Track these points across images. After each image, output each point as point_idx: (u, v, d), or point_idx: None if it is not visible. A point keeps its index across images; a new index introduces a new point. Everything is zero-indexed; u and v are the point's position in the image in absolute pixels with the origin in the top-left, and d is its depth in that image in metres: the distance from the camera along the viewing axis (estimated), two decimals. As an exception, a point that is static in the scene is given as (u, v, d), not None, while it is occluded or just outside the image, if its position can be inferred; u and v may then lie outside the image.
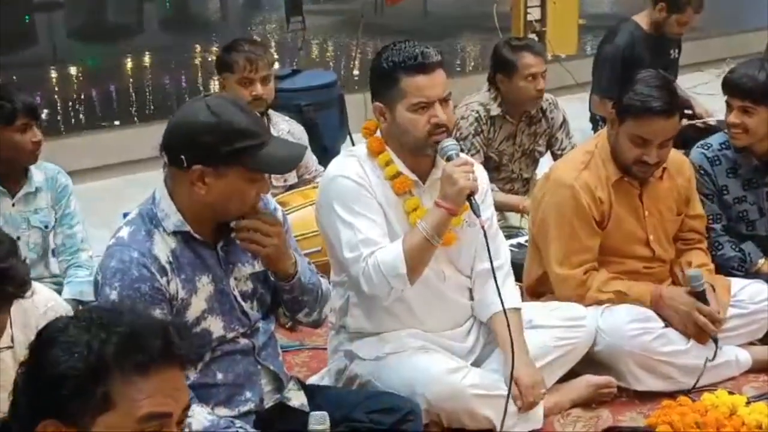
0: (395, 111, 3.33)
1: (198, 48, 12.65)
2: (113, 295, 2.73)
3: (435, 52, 3.35)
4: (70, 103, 9.67)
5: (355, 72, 10.06)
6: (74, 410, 1.63)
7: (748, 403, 3.55)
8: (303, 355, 4.22)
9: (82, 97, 10.04)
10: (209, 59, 12.31)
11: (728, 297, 4.04)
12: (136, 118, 8.90)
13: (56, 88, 10.52)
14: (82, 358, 1.63)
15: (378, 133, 3.45)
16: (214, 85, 10.30)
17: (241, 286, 2.95)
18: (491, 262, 3.30)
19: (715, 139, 4.43)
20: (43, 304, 2.68)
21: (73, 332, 1.66)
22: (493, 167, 5.09)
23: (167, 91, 10.68)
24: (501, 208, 4.96)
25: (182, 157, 2.75)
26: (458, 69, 10.97)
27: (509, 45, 5.17)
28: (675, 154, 4.02)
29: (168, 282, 2.79)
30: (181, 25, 15.62)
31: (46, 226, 4.19)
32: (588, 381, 3.78)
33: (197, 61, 12.21)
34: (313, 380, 3.68)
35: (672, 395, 3.76)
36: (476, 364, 3.62)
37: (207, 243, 2.87)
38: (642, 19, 6.34)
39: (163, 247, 2.80)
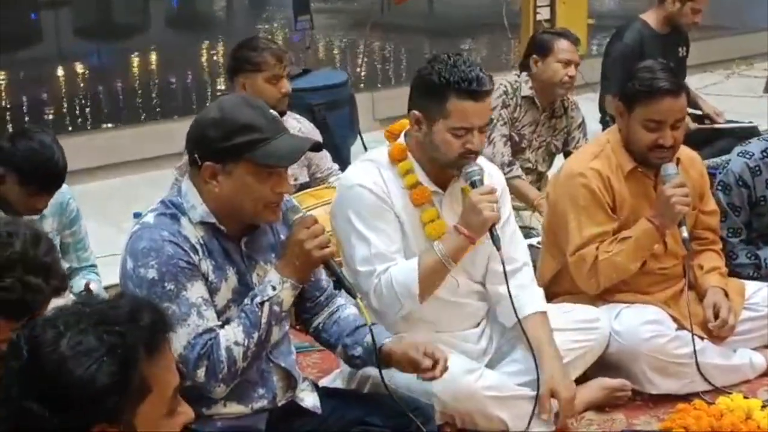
0: (433, 126, 3.29)
1: (205, 46, 12.63)
2: (152, 273, 2.72)
3: (488, 79, 3.31)
4: (77, 101, 9.65)
5: (362, 71, 10.04)
6: (118, 409, 1.63)
7: (763, 407, 3.54)
8: (314, 356, 4.19)
9: (89, 95, 10.02)
10: (214, 58, 12.31)
11: (742, 300, 4.02)
12: (143, 116, 8.88)
13: (62, 86, 10.50)
14: (110, 359, 1.62)
15: (402, 138, 3.42)
16: (221, 84, 10.32)
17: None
18: (509, 290, 3.35)
19: (756, 147, 4.37)
20: (52, 303, 2.65)
21: (74, 340, 1.64)
22: (513, 150, 5.20)
23: (174, 89, 10.65)
24: (518, 197, 5.03)
25: (195, 155, 2.78)
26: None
27: (548, 31, 5.47)
28: (685, 149, 4.00)
29: (199, 261, 2.79)
30: (187, 23, 15.61)
31: None
32: (602, 384, 3.75)
33: (204, 59, 12.19)
34: (324, 382, 3.65)
35: (686, 398, 3.75)
36: (490, 365, 3.59)
37: (232, 237, 2.86)
38: (650, 18, 6.31)
39: (191, 231, 2.80)
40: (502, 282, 3.44)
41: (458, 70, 3.24)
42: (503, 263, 3.32)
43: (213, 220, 2.82)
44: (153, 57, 12.15)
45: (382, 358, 2.97)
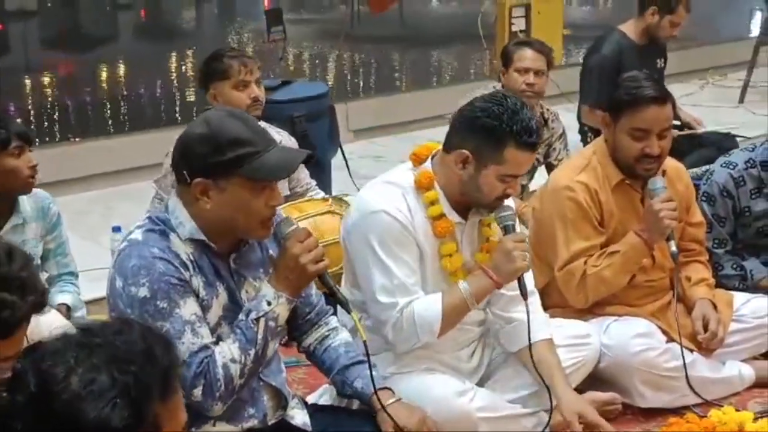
0: (483, 170, 3.23)
1: (174, 57, 12.56)
2: (143, 292, 2.65)
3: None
4: (44, 113, 9.54)
5: (335, 82, 10.01)
6: None
7: (755, 419, 3.52)
8: (300, 371, 4.13)
9: (57, 106, 9.92)
10: (183, 69, 12.24)
11: (730, 312, 4.01)
12: (111, 129, 8.80)
13: (30, 97, 10.39)
14: (123, 401, 1.56)
15: (428, 164, 3.36)
16: (190, 95, 10.25)
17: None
18: (530, 340, 3.34)
19: (739, 158, 4.38)
20: (47, 325, 2.57)
21: (86, 377, 1.57)
22: None
23: (142, 101, 10.58)
24: None
25: (184, 171, 2.71)
26: (435, 79, 10.95)
27: (515, 42, 5.48)
28: (671, 161, 3.99)
29: (190, 278, 2.73)
30: (156, 34, 15.53)
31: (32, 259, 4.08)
32: (592, 398, 3.70)
33: (173, 70, 12.13)
34: (311, 398, 3.58)
35: (676, 411, 3.73)
36: (480, 382, 3.56)
37: (220, 253, 2.81)
38: (628, 29, 6.32)
39: (180, 247, 2.74)
40: (511, 309, 3.46)
41: (520, 118, 3.19)
42: (527, 309, 3.30)
43: (202, 237, 2.76)
44: (121, 68, 12.08)
45: (374, 402, 2.98)
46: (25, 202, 4.05)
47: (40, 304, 2.15)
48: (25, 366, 1.62)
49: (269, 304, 2.79)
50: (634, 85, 3.76)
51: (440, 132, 7.82)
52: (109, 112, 9.49)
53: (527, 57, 5.24)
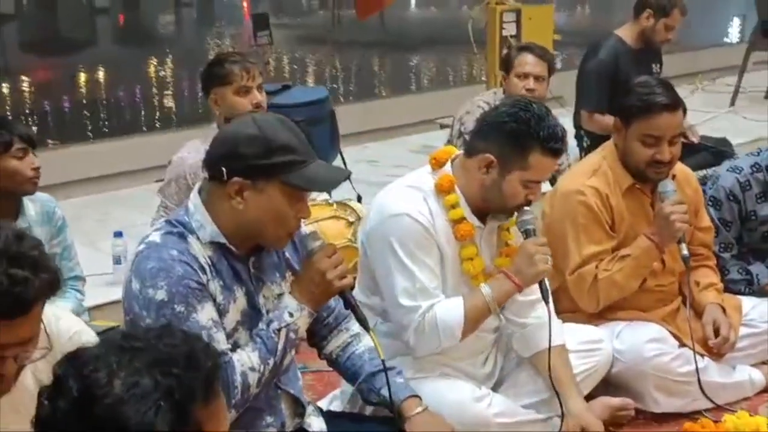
0: (508, 175, 3.22)
1: (152, 61, 12.52)
2: (161, 295, 2.60)
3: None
4: (22, 117, 9.48)
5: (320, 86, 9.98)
6: None
7: (770, 424, 3.51)
8: (307, 377, 4.08)
9: (32, 111, 9.86)
10: (161, 74, 12.20)
11: (739, 317, 4.01)
12: (90, 134, 8.75)
13: (8, 101, 10.34)
14: (166, 404, 1.52)
15: (448, 167, 3.34)
16: (168, 101, 10.22)
17: (269, 305, 2.84)
18: (549, 348, 3.32)
19: (745, 162, 4.38)
20: (66, 330, 2.52)
21: (129, 381, 1.53)
22: None
23: (121, 106, 10.53)
24: None
25: (222, 168, 2.66)
26: (414, 84, 10.94)
27: (518, 46, 5.46)
28: (680, 165, 3.98)
29: (208, 282, 2.68)
30: (135, 38, 15.47)
31: None
32: (605, 403, 3.70)
33: (152, 75, 12.08)
34: (320, 404, 3.56)
35: (689, 416, 3.73)
36: (494, 387, 3.54)
37: (240, 257, 2.77)
38: (624, 33, 6.32)
39: (199, 251, 2.69)
40: (525, 314, 3.46)
41: (547, 126, 3.18)
42: (550, 317, 3.29)
43: (223, 240, 2.72)
44: (100, 73, 12.01)
45: (397, 411, 2.96)
46: (30, 206, 4.00)
47: (54, 282, 2.11)
48: (67, 371, 1.58)
49: (291, 315, 2.77)
50: (646, 92, 3.74)
51: (432, 137, 7.92)
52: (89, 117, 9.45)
53: (528, 62, 5.23)
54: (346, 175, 2.89)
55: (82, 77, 11.62)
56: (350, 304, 2.86)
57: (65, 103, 10.23)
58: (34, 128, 8.96)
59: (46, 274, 2.07)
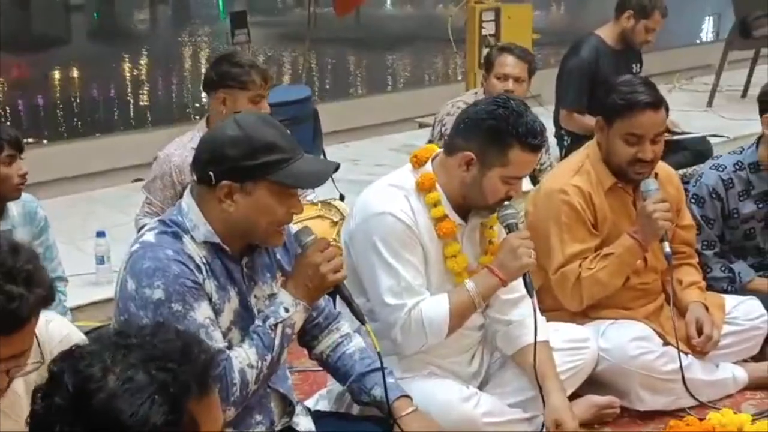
0: (488, 172, 3.23)
1: (127, 59, 12.46)
2: (158, 294, 2.61)
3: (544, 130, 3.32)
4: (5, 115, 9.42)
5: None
6: None
7: (753, 421, 3.54)
8: (293, 377, 4.06)
9: (11, 109, 9.80)
10: (135, 72, 12.14)
11: (722, 315, 4.03)
12: (64, 134, 8.71)
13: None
14: (161, 398, 1.52)
15: (429, 166, 3.35)
16: (144, 99, 10.15)
17: (260, 305, 2.85)
18: (535, 342, 3.31)
19: (728, 160, 4.41)
20: (57, 332, 2.51)
21: (123, 375, 1.54)
22: None
23: (96, 105, 10.47)
24: None
25: (210, 173, 2.66)
26: (391, 83, 10.93)
27: (499, 47, 5.46)
28: (662, 164, 4.00)
29: (204, 281, 2.69)
30: (110, 36, 15.40)
31: None
32: (590, 401, 3.72)
33: (126, 73, 12.03)
34: (307, 404, 3.55)
35: (673, 414, 3.75)
36: (480, 386, 3.55)
37: (234, 257, 2.77)
38: (605, 33, 6.34)
39: (194, 250, 2.70)
40: (508, 311, 3.48)
41: (524, 121, 3.20)
42: (535, 311, 3.29)
43: (217, 240, 2.72)
44: (75, 72, 11.94)
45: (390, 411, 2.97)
46: (12, 207, 3.98)
47: (48, 298, 2.12)
48: (62, 368, 1.58)
49: (287, 310, 2.77)
50: (628, 90, 3.76)
51: (412, 135, 7.91)
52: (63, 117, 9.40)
53: (507, 63, 5.25)
54: (334, 167, 2.87)
55: (57, 75, 11.55)
56: (345, 298, 2.87)
57: (39, 101, 10.16)
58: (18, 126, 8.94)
59: (40, 288, 2.08)
